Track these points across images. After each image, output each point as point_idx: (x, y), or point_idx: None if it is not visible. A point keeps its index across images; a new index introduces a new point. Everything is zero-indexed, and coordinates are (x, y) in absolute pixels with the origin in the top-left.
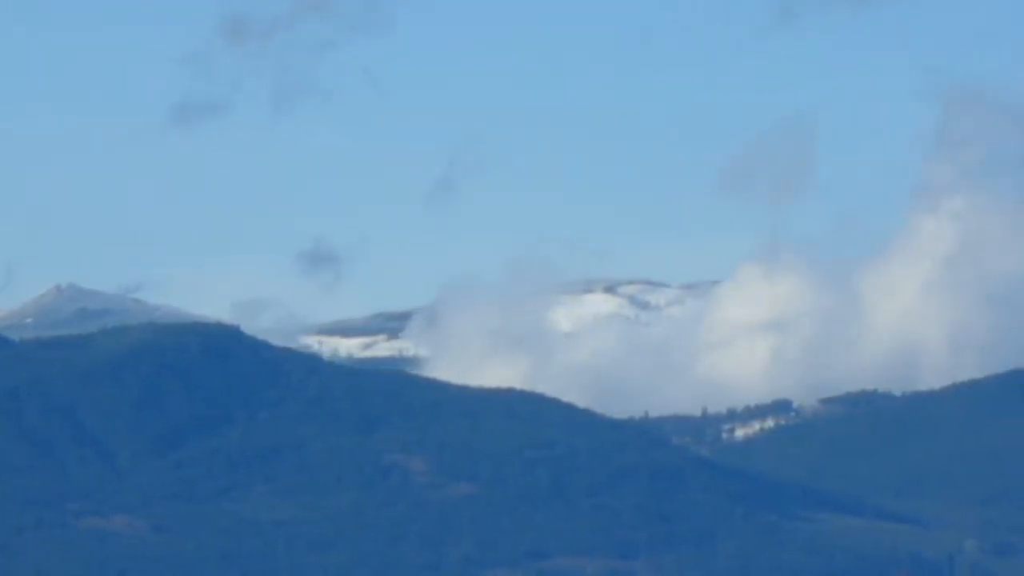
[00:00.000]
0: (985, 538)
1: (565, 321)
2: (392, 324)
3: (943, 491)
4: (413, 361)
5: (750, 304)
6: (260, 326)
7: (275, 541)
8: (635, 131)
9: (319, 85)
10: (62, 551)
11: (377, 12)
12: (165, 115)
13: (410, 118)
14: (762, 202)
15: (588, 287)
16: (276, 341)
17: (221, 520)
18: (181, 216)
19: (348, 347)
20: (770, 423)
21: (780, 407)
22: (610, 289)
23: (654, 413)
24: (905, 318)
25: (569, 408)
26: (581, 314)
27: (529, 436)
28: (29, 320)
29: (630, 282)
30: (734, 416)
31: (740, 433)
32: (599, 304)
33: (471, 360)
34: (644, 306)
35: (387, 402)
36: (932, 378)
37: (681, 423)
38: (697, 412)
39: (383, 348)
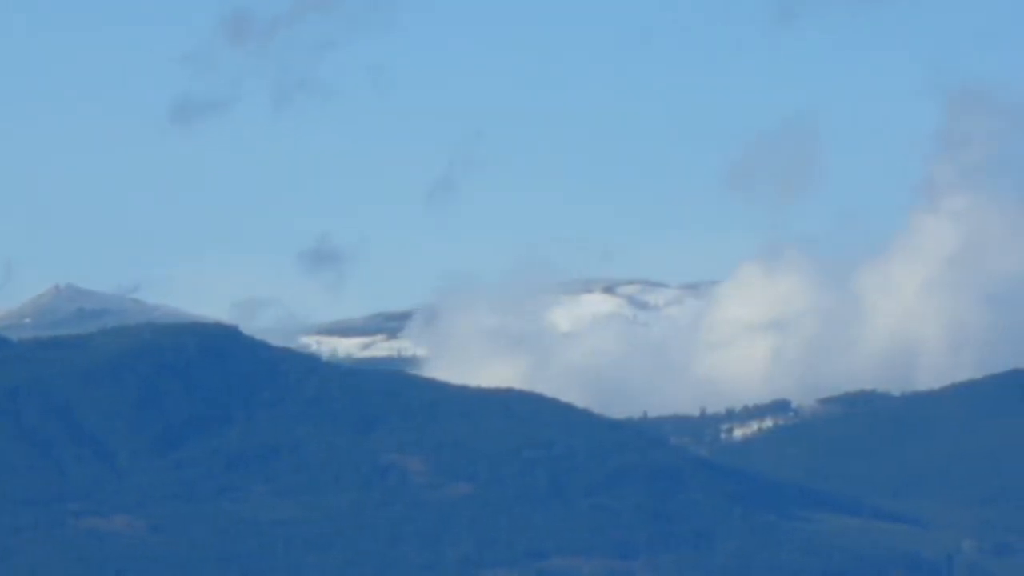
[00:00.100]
0: (983, 538)
1: (564, 321)
2: (391, 324)
3: (942, 491)
4: (412, 361)
5: (749, 304)
6: (259, 326)
7: (274, 541)
8: (635, 131)
9: (319, 84)
10: (60, 551)
11: (378, 11)
12: (165, 114)
13: (409, 117)
14: (762, 202)
15: (587, 287)
16: (275, 341)
17: (220, 520)
18: (180, 215)
19: (347, 347)
20: (769, 423)
21: (779, 407)
22: (609, 289)
23: (653, 413)
24: (904, 318)
25: (567, 408)
26: (580, 314)
27: (527, 436)
28: (27, 320)
29: (629, 282)
30: (733, 416)
31: (739, 433)
32: (598, 304)
33: (470, 360)
34: (643, 306)
35: (385, 402)
36: (931, 378)
37: (680, 423)
38: (696, 412)
39: (382, 348)
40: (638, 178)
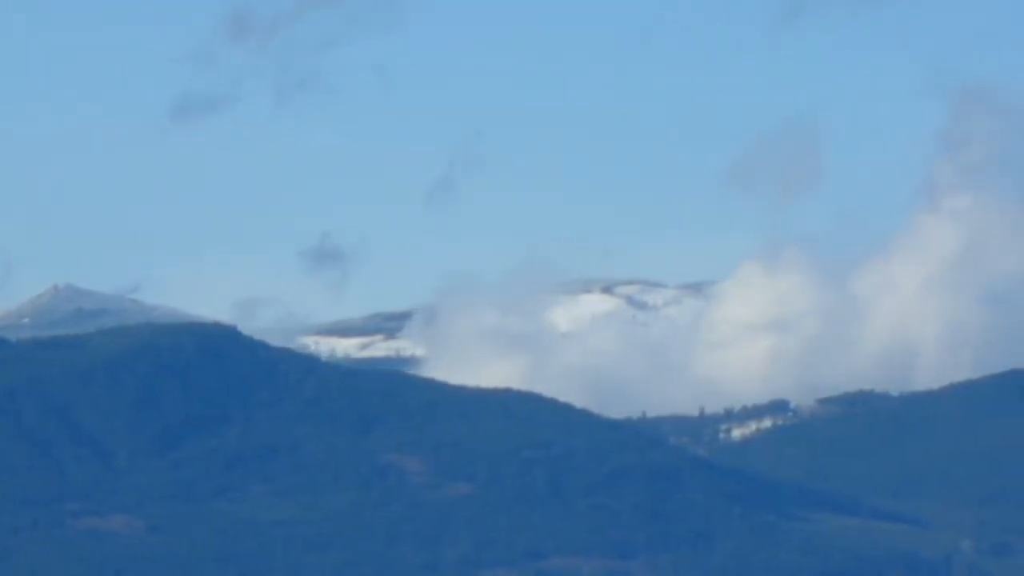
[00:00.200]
0: (982, 538)
1: (563, 321)
2: (390, 324)
3: (940, 491)
4: (410, 361)
5: (748, 304)
6: (258, 326)
7: (272, 541)
8: (636, 131)
9: (319, 83)
10: (59, 551)
11: (377, 11)
12: (165, 113)
13: (409, 117)
14: (763, 201)
15: (586, 287)
16: (274, 341)
17: (218, 520)
18: (180, 215)
19: (345, 347)
20: (767, 423)
21: (777, 407)
22: (607, 289)
23: (651, 413)
24: (902, 318)
25: (566, 408)
26: (579, 314)
27: (526, 436)
28: (26, 320)
29: (628, 282)
30: (731, 416)
31: (737, 433)
32: (597, 304)
33: (469, 360)
34: (641, 306)
35: (384, 402)
36: (929, 378)
37: (678, 423)
38: (694, 412)
39: (380, 348)
40: (638, 178)
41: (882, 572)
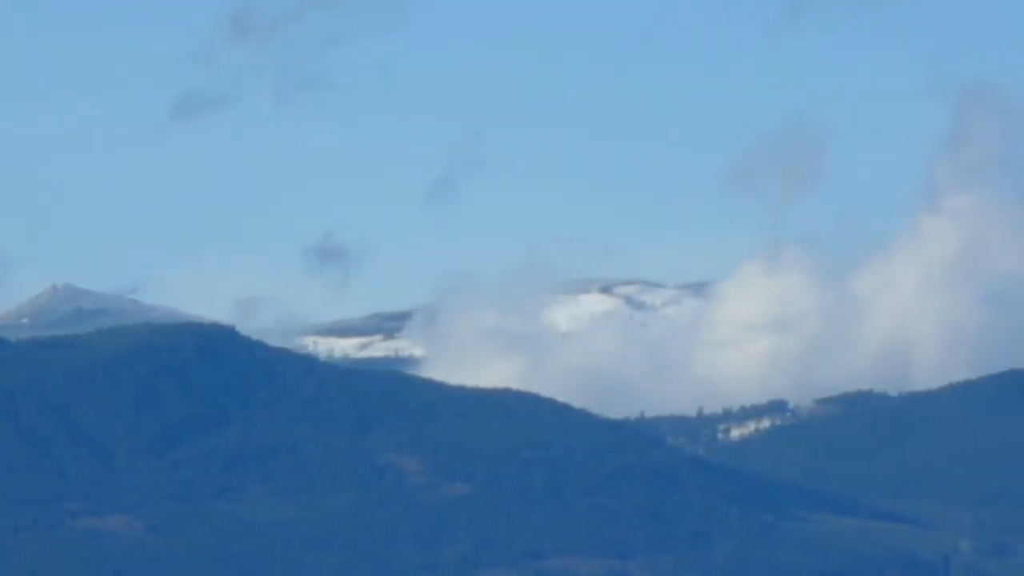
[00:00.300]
0: (981, 538)
1: (562, 321)
2: (389, 324)
3: (939, 491)
4: (409, 361)
5: (746, 304)
6: (257, 326)
7: (271, 541)
8: (636, 131)
9: (320, 82)
10: (58, 551)
11: (378, 10)
12: (166, 112)
13: (409, 117)
14: (763, 201)
15: (585, 287)
16: (273, 341)
17: (217, 520)
18: (180, 215)
19: (344, 347)
20: (766, 423)
21: (776, 407)
22: (606, 289)
23: (650, 413)
24: (902, 318)
25: (565, 408)
26: (578, 314)
27: (525, 436)
28: (25, 320)
29: (627, 282)
30: (730, 416)
31: (736, 433)
32: (595, 304)
33: (467, 360)
34: (640, 306)
35: (382, 402)
36: (928, 378)
37: (677, 423)
38: (693, 412)
39: (379, 348)
40: (638, 178)
41: (881, 572)
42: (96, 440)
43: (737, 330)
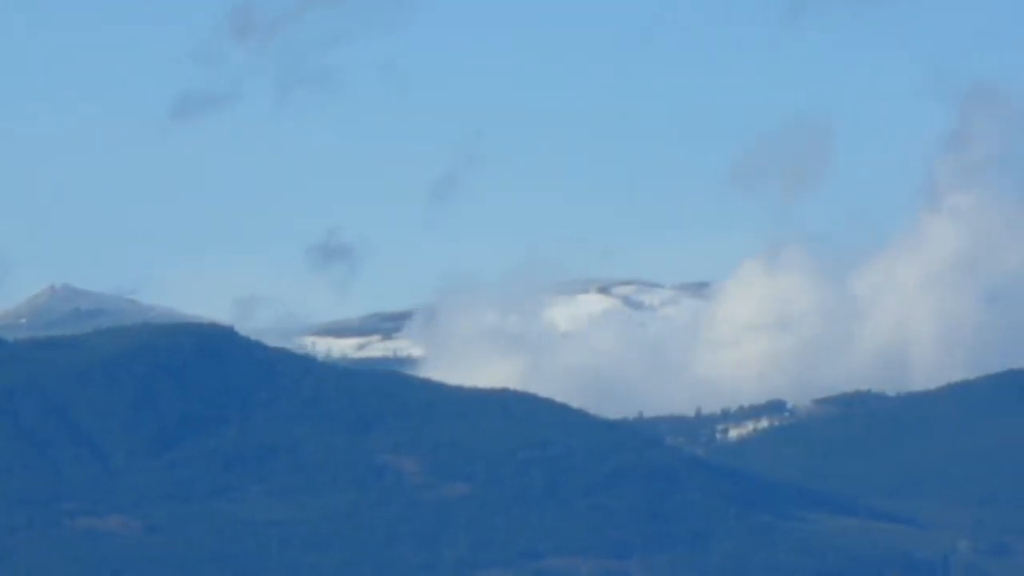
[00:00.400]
0: (980, 538)
1: (561, 321)
2: (387, 324)
3: (938, 491)
4: (408, 361)
5: (745, 304)
6: (256, 326)
7: (269, 541)
8: (636, 131)
9: (321, 81)
10: (56, 551)
11: (379, 9)
12: (166, 111)
13: (410, 117)
14: (764, 201)
15: (584, 287)
16: (271, 341)
17: (215, 520)
18: (180, 214)
19: (343, 347)
20: (764, 423)
21: (774, 407)
22: (604, 289)
23: (648, 413)
24: (901, 318)
25: (563, 408)
26: (577, 314)
27: (523, 436)
28: (23, 320)
29: (626, 282)
30: (728, 416)
31: (734, 433)
32: (595, 304)
33: (466, 360)
34: (639, 306)
35: (381, 402)
36: (926, 378)
37: (675, 423)
38: (691, 412)
39: (378, 348)
40: (638, 178)
41: (879, 572)
42: (94, 440)
43: (736, 330)
